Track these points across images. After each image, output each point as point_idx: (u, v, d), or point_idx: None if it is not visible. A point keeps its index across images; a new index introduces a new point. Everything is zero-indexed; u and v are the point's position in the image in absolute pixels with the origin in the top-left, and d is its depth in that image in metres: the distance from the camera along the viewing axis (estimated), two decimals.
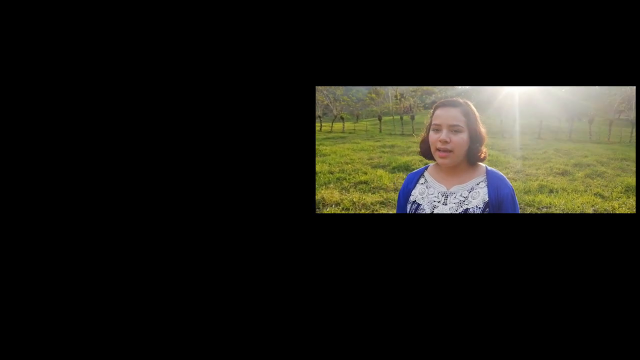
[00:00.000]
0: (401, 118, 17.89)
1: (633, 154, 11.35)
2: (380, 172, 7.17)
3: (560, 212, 5.10)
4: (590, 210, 5.26)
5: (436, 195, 1.46)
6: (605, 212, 4.81)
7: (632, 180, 7.00)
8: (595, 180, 7.25)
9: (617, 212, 5.07)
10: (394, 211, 4.87)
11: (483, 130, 1.45)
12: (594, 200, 5.66)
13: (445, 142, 1.39)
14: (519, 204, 5.23)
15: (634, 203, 5.60)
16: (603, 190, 6.38)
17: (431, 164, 1.56)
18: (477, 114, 1.45)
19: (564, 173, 7.91)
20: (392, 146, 11.48)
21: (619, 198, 5.81)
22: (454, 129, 1.39)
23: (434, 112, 1.45)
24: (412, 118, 17.30)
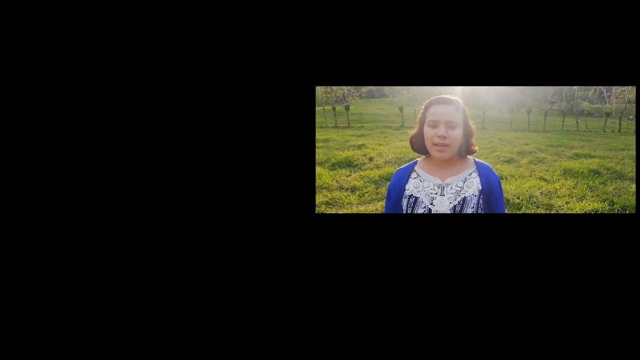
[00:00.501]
0: (333, 109, 17.05)
1: (566, 141, 12.17)
2: (318, 169, 6.86)
3: (512, 196, 5.31)
4: (537, 193, 5.51)
5: (432, 188, 1.53)
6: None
7: (568, 164, 7.51)
8: (537, 166, 7.67)
9: (561, 196, 5.34)
10: (344, 211, 4.87)
11: (472, 125, 1.56)
12: (539, 184, 5.99)
13: (444, 137, 1.46)
14: None
15: (572, 184, 6.03)
16: (545, 174, 6.79)
17: (419, 158, 1.61)
18: (467, 111, 1.54)
19: (509, 161, 8.27)
20: (327, 140, 11.05)
21: (559, 180, 6.27)
22: (450, 125, 1.47)
23: (427, 108, 1.51)
24: (347, 109, 16.33)
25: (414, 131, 1.59)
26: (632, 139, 13.73)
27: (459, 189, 1.53)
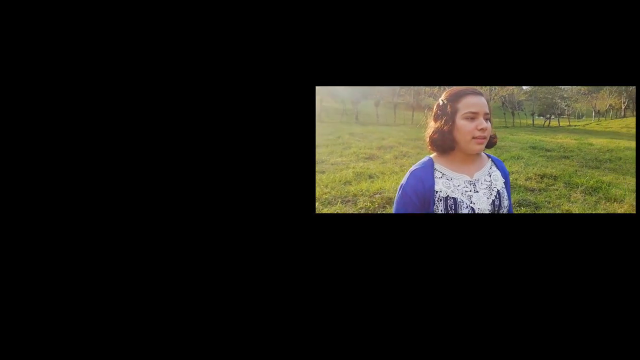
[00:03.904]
0: None
1: (422, 134, 13.13)
2: None
3: (393, 193, 5.25)
4: None
5: (464, 185, 1.45)
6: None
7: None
8: (404, 160, 7.81)
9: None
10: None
11: None
12: None
13: (485, 129, 1.40)
14: (342, 197, 5.43)
15: None
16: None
17: (430, 156, 1.51)
18: None
19: (371, 157, 8.22)
20: None
21: None
22: (487, 117, 1.42)
23: (458, 100, 1.43)
24: None
25: (434, 126, 1.49)
26: None
27: (488, 183, 1.48)
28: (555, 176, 6.98)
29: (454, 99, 1.44)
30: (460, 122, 1.42)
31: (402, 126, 15.53)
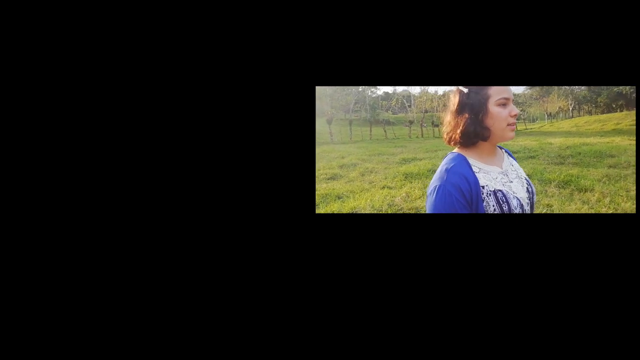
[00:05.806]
0: None
1: (384, 149, 12.70)
2: None
3: (370, 211, 5.13)
4: (396, 200, 5.54)
5: (501, 177, 1.36)
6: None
7: (404, 169, 7.65)
8: (372, 176, 7.61)
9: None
10: None
11: None
12: (388, 193, 6.01)
13: (517, 115, 1.31)
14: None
15: (420, 184, 6.19)
16: (388, 182, 6.85)
17: (455, 151, 1.40)
18: None
19: (334, 177, 7.94)
20: None
21: (403, 186, 6.45)
22: (513, 102, 1.33)
23: (487, 87, 1.33)
24: None
25: (458, 119, 1.36)
26: (435, 142, 15.72)
27: (515, 172, 1.41)
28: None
29: (482, 87, 1.34)
30: (495, 109, 1.32)
31: (360, 142, 15.21)
